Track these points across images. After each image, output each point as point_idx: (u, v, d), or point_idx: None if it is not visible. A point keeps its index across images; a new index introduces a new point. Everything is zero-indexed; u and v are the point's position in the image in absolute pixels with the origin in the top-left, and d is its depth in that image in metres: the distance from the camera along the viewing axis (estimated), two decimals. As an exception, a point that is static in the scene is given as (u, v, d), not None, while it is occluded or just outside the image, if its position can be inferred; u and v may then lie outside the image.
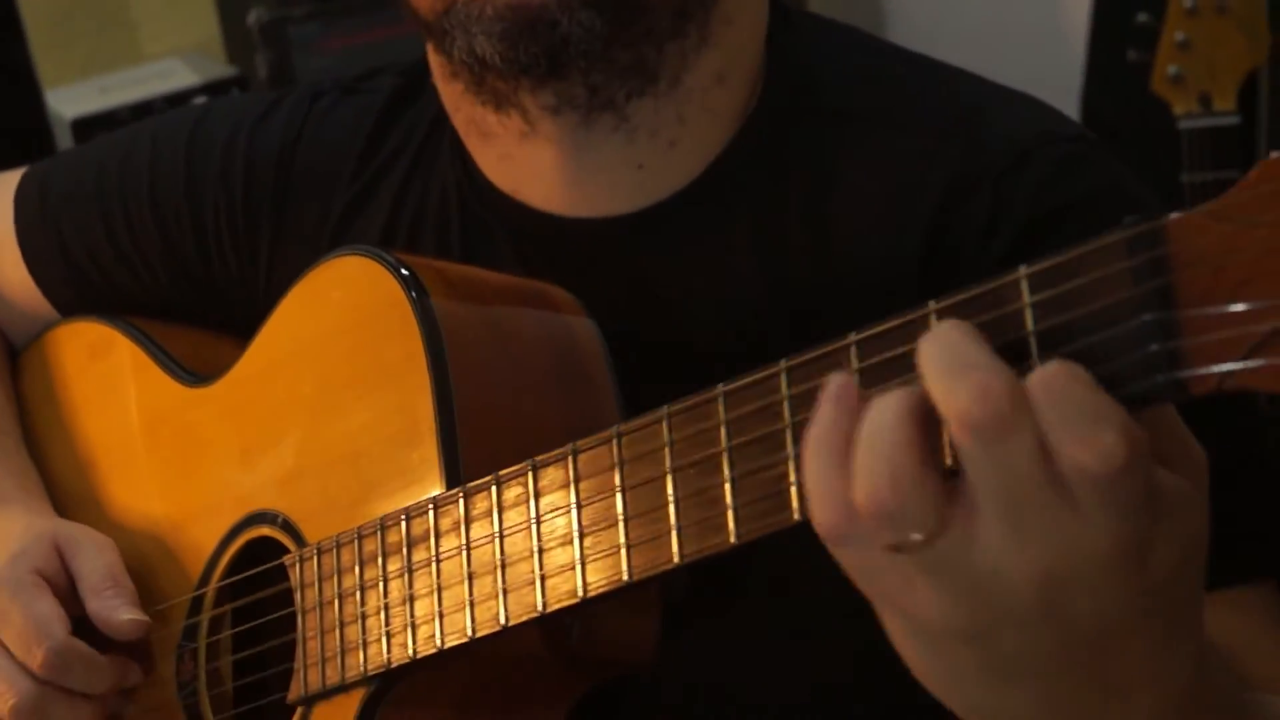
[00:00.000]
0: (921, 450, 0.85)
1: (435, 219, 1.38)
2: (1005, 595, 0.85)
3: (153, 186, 1.48)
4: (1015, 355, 0.85)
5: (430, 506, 1.18)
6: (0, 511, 1.47)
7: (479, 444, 1.20)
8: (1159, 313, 0.81)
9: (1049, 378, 0.82)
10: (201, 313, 1.50)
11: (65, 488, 1.54)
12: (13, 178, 1.57)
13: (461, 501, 1.16)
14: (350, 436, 1.27)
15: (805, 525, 0.91)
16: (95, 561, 1.39)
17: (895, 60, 1.34)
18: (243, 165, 1.45)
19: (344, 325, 1.29)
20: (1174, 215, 0.81)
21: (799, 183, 1.27)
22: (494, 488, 1.14)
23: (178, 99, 2.87)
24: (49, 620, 1.35)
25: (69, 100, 2.89)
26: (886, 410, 0.85)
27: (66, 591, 1.38)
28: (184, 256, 1.47)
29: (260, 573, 1.34)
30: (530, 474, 1.11)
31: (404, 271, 1.24)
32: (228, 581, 1.36)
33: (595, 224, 1.30)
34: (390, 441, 1.23)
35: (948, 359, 0.84)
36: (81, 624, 1.37)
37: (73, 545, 1.40)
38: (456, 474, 1.18)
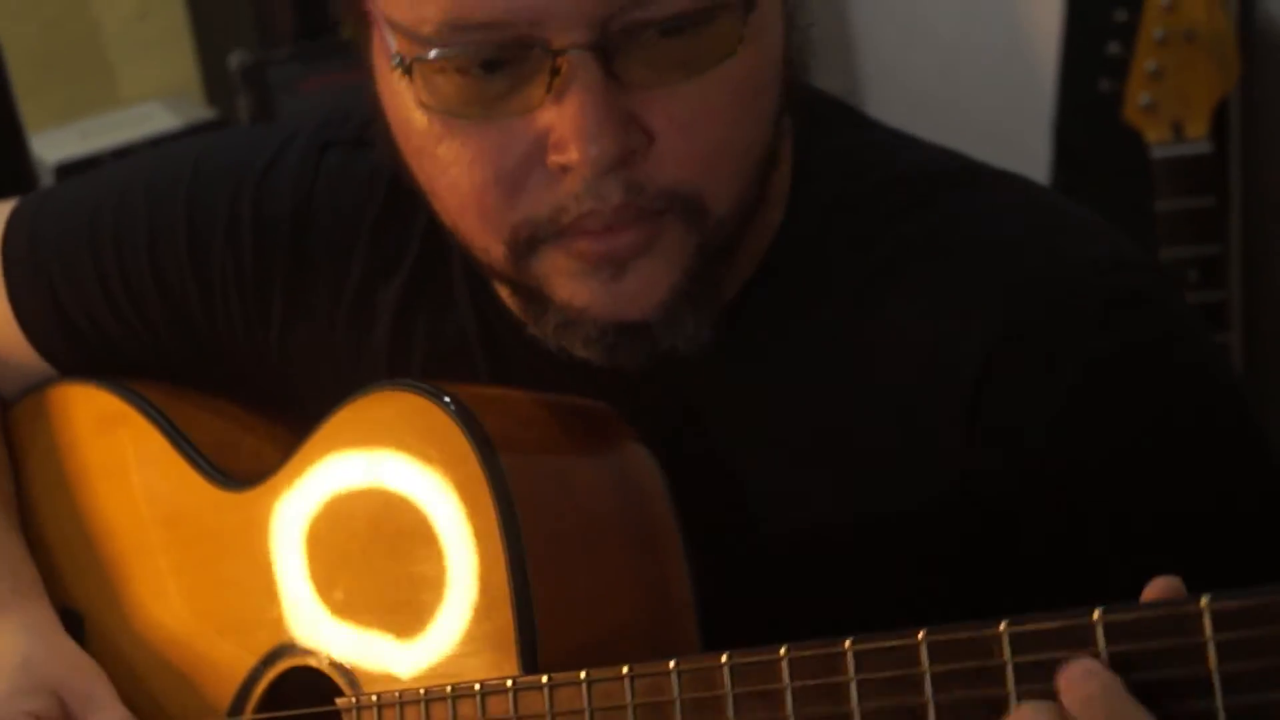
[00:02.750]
0: None
1: (455, 327, 1.34)
2: None
3: (152, 245, 1.42)
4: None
5: (510, 688, 1.16)
6: None
7: (554, 618, 1.17)
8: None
9: None
10: (206, 374, 1.45)
11: (65, 563, 1.48)
12: None
13: (547, 692, 1.14)
14: (411, 586, 1.23)
15: None
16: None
17: (927, 166, 1.29)
18: (251, 225, 1.40)
19: (404, 467, 1.25)
20: None
21: (835, 301, 1.24)
22: (585, 687, 1.12)
23: (159, 142, 2.88)
24: None
25: (50, 145, 2.90)
26: None
27: None
28: (189, 317, 1.42)
29: (304, 711, 1.31)
30: (628, 683, 1.10)
31: (470, 422, 1.20)
32: (270, 717, 1.33)
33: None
34: (459, 604, 1.20)
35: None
36: None
37: (78, 699, 1.36)
38: (533, 655, 1.16)
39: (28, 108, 2.70)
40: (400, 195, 1.34)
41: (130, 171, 1.50)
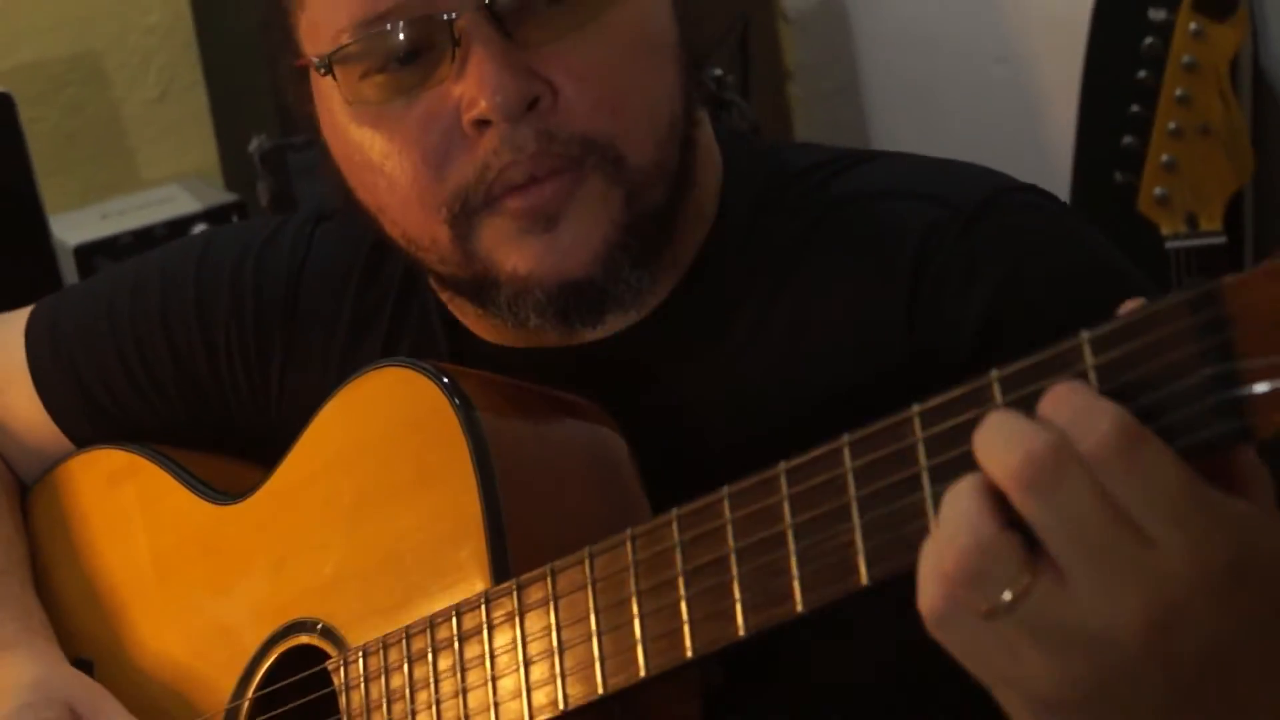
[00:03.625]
0: (998, 516, 0.90)
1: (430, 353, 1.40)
2: (1110, 649, 0.89)
3: (164, 314, 1.50)
4: None
5: (482, 600, 1.20)
6: (3, 658, 1.46)
7: (525, 542, 1.22)
8: (1220, 365, 0.87)
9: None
10: (216, 437, 1.52)
11: (78, 620, 1.53)
12: (19, 317, 1.60)
13: (515, 593, 1.18)
14: (392, 540, 1.29)
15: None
16: None
17: (840, 153, 1.39)
18: (252, 287, 1.48)
19: (384, 434, 1.32)
20: (1229, 277, 0.89)
21: (765, 280, 1.31)
22: (549, 578, 1.16)
23: (178, 225, 2.89)
24: None
25: (70, 227, 2.91)
26: (960, 492, 0.91)
27: None
28: (197, 378, 1.50)
29: (300, 680, 1.35)
30: (588, 562, 1.14)
31: (445, 379, 1.27)
32: (264, 691, 1.37)
33: (587, 347, 1.33)
34: (435, 542, 1.25)
35: (993, 435, 0.90)
36: None
37: (93, 710, 1.40)
38: (505, 568, 1.21)
39: (48, 190, 2.73)
40: (379, 252, 1.43)
41: (142, 262, 1.59)
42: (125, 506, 1.52)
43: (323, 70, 1.25)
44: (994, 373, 0.94)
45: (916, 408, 0.97)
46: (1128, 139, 2.48)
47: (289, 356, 1.47)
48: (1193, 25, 2.39)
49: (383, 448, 1.31)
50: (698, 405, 1.32)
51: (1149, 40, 2.45)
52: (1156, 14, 2.44)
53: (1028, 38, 2.93)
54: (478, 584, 1.22)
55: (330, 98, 1.27)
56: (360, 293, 1.45)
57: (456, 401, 1.26)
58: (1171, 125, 2.42)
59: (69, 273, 2.78)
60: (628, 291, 1.27)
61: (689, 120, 1.30)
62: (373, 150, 1.26)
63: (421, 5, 1.22)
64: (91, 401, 1.54)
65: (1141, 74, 2.46)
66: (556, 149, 1.23)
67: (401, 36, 1.22)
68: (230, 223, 2.73)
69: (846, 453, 1.00)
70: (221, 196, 3.06)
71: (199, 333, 1.49)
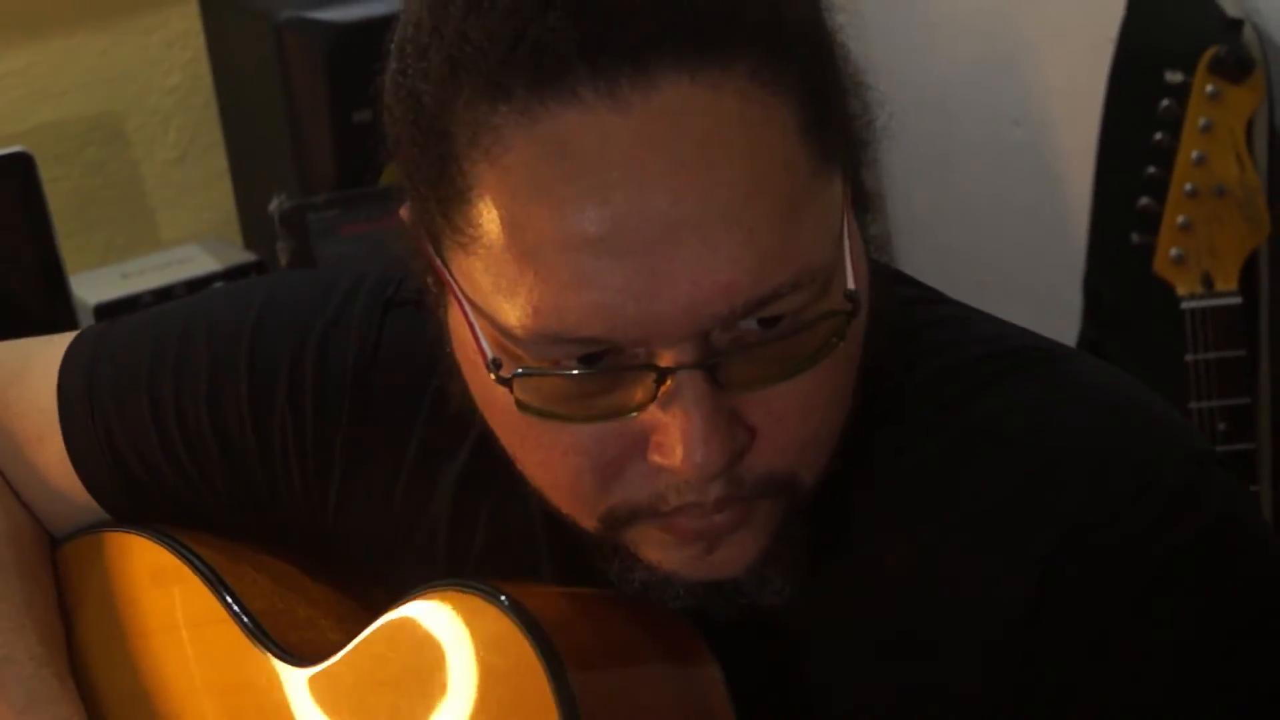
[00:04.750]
0: None
1: (519, 522, 1.32)
2: None
3: (211, 394, 1.40)
4: None
5: None
6: None
7: None
8: None
9: None
10: (261, 529, 1.43)
11: (117, 718, 1.45)
12: (54, 354, 1.49)
13: None
14: None
15: None
16: None
17: (986, 349, 1.26)
18: (312, 385, 1.37)
19: (465, 671, 1.22)
20: None
21: (897, 501, 1.23)
22: None
23: (198, 285, 2.90)
24: None
25: (91, 286, 2.92)
26: None
27: None
28: (247, 470, 1.40)
29: None
30: None
31: (539, 635, 1.18)
32: None
33: None
34: None
35: None
36: None
37: None
38: None
39: (68, 249, 2.73)
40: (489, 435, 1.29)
41: (194, 316, 1.47)
42: (170, 612, 1.44)
43: (494, 378, 1.10)
44: None
45: None
46: (1144, 200, 2.49)
47: (350, 461, 1.37)
48: (1209, 87, 2.40)
49: (463, 685, 1.22)
50: (806, 642, 1.24)
51: (1165, 102, 2.45)
52: (1173, 76, 2.45)
53: (1044, 100, 2.93)
54: None
55: (471, 339, 1.12)
56: (436, 409, 1.33)
57: (548, 666, 1.16)
58: (1188, 186, 2.43)
59: (89, 332, 2.78)
60: (769, 596, 1.19)
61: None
62: (528, 431, 1.13)
63: (629, 344, 1.07)
64: (126, 473, 1.45)
65: (1158, 136, 2.46)
66: (743, 492, 1.13)
67: (595, 362, 1.08)
68: (290, 275, 2.69)
69: None
70: (241, 256, 3.06)
71: (251, 423, 1.39)
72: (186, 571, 1.43)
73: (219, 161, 3.31)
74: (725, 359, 1.09)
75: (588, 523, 1.17)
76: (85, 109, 3.22)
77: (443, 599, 1.25)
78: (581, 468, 1.13)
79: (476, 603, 1.22)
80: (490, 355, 1.11)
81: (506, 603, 1.20)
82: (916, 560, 1.21)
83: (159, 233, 3.29)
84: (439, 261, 1.14)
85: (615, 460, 1.12)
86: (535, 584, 1.28)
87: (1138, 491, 1.17)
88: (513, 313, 1.08)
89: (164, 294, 2.89)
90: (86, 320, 2.83)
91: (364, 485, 1.37)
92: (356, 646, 1.31)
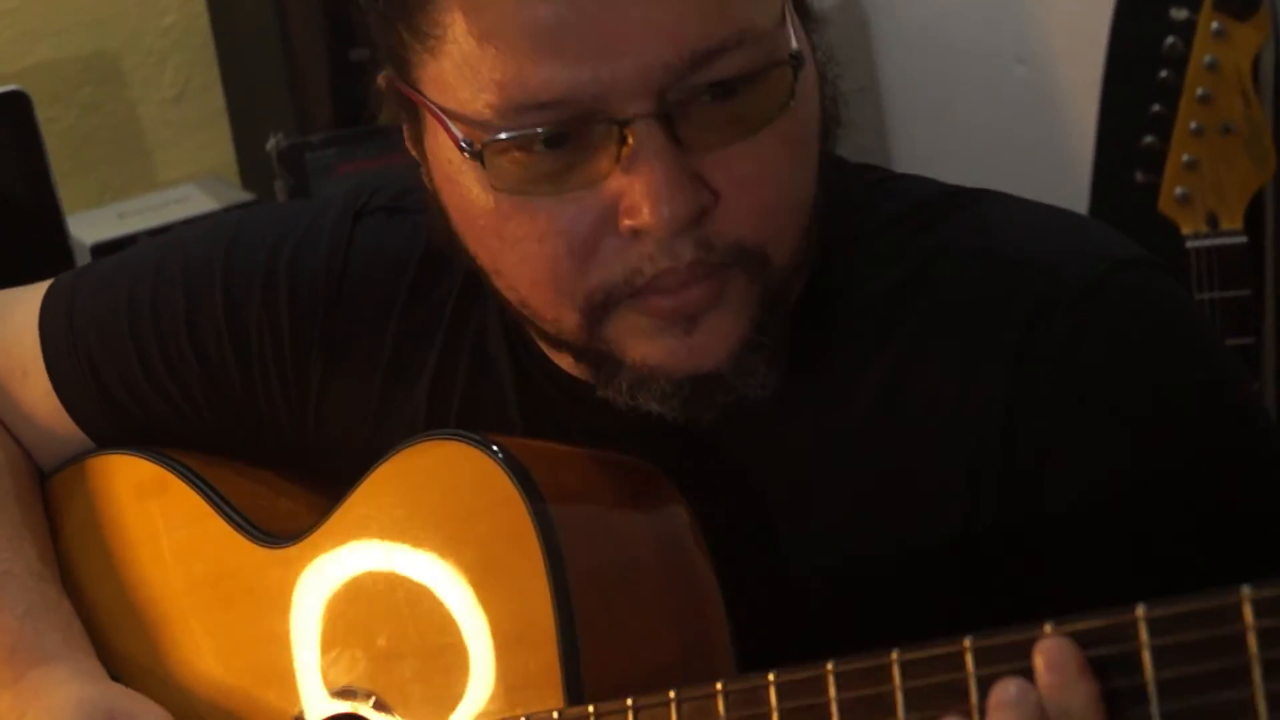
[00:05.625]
0: None
1: (491, 383, 1.35)
2: None
3: (189, 314, 1.43)
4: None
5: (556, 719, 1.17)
6: (48, 673, 1.42)
7: (598, 656, 1.18)
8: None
9: None
10: (245, 443, 1.46)
11: (111, 634, 1.49)
12: (34, 296, 1.53)
13: None
14: (454, 628, 1.25)
15: None
16: None
17: (935, 192, 1.33)
18: (287, 292, 1.41)
19: (446, 513, 1.27)
20: None
21: (861, 330, 1.27)
22: (631, 713, 1.14)
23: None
24: None
25: (87, 226, 2.91)
26: None
27: None
28: (227, 387, 1.43)
29: None
30: (673, 707, 1.12)
31: (514, 466, 1.22)
32: None
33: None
34: (503, 643, 1.22)
35: None
36: None
37: None
38: (578, 689, 1.17)
39: (65, 190, 2.72)
40: (433, 262, 1.37)
41: (167, 246, 1.52)
42: (152, 523, 1.47)
43: (467, 153, 1.17)
44: (1140, 610, 0.96)
45: (968, 641, 1.00)
46: (1149, 139, 2.47)
47: (327, 370, 1.41)
48: (1215, 24, 2.38)
49: (445, 527, 1.27)
50: (776, 464, 1.28)
51: (1170, 40, 2.43)
52: (1178, 13, 2.43)
53: (1048, 38, 2.92)
54: (549, 699, 1.18)
55: (448, 148, 1.20)
56: (409, 307, 1.39)
57: (527, 495, 1.21)
58: (1193, 125, 2.41)
59: (86, 272, 2.78)
60: (753, 389, 1.22)
61: (820, 201, 1.26)
62: (507, 225, 1.20)
63: (591, 100, 1.14)
64: (110, 400, 1.48)
65: (1163, 74, 2.45)
66: (713, 258, 1.18)
67: (559, 126, 1.15)
68: (261, 207, 2.71)
69: (969, 657, 1.01)
70: (238, 195, 3.06)
71: (229, 339, 1.43)
72: (170, 477, 1.47)
73: (216, 101, 3.30)
74: (682, 116, 1.15)
75: (571, 321, 1.21)
76: (81, 49, 3.20)
77: (418, 450, 1.29)
78: (559, 251, 1.18)
79: (452, 446, 1.27)
80: (461, 137, 1.17)
81: (480, 440, 1.25)
82: (893, 370, 1.26)
83: (156, 173, 3.28)
84: (411, 90, 1.21)
85: (590, 238, 1.18)
86: (514, 437, 1.30)
87: (1091, 284, 1.23)
88: (480, 95, 1.15)
89: (161, 234, 2.87)
90: (84, 260, 2.82)
91: (342, 388, 1.40)
92: (337, 514, 1.35)
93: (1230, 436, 1.24)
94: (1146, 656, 0.94)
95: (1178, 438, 1.22)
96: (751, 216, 1.19)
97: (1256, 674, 0.92)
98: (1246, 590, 0.92)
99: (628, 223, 1.16)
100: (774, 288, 1.22)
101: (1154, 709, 0.94)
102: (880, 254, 1.29)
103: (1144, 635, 0.95)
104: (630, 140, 1.15)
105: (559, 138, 1.16)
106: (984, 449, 1.23)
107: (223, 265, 1.44)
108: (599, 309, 1.20)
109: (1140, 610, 0.95)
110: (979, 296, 1.25)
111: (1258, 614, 0.92)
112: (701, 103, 1.16)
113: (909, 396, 1.25)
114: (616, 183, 1.16)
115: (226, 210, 2.94)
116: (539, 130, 1.15)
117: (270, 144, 2.86)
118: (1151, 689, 0.94)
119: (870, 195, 1.33)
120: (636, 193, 1.15)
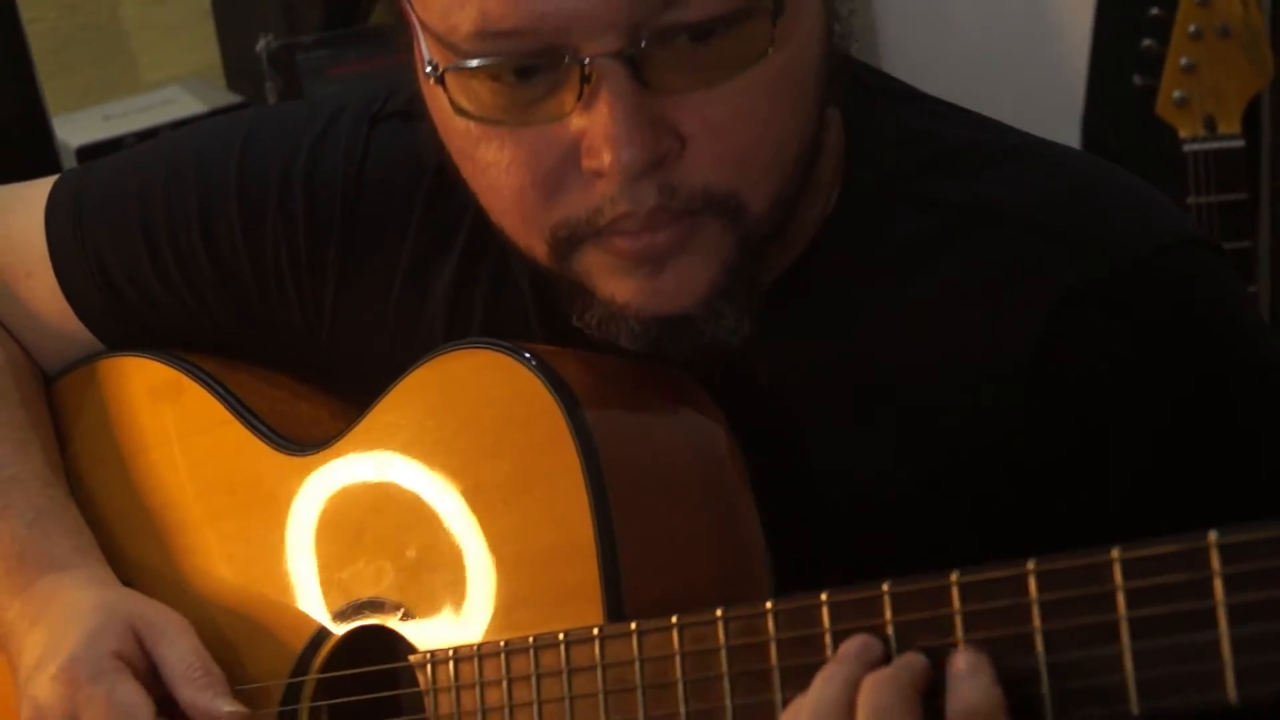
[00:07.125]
0: None
1: (512, 308, 1.34)
2: None
3: (203, 215, 1.41)
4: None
5: (597, 636, 1.15)
6: (61, 580, 1.40)
7: (638, 571, 1.17)
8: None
9: None
10: (257, 347, 1.44)
11: (122, 541, 1.46)
12: (37, 193, 1.49)
13: (635, 639, 1.13)
14: (487, 540, 1.23)
15: None
16: (180, 647, 1.34)
17: (980, 137, 1.30)
18: (303, 198, 1.39)
19: (480, 423, 1.25)
20: None
21: (887, 270, 1.25)
22: (676, 631, 1.12)
23: (181, 126, 2.86)
24: (134, 706, 1.31)
25: (73, 128, 2.90)
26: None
27: (147, 676, 1.33)
28: (241, 289, 1.41)
29: (377, 667, 1.30)
30: (721, 625, 1.10)
31: (551, 375, 1.21)
32: (334, 674, 1.32)
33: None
34: (539, 556, 1.20)
35: None
36: (161, 709, 1.32)
37: (153, 630, 1.35)
38: (619, 604, 1.16)
39: (50, 91, 2.70)
40: (451, 170, 1.33)
41: (179, 143, 1.49)
42: (169, 425, 1.44)
43: (431, 78, 1.16)
44: (1115, 552, 0.95)
45: (1032, 564, 0.99)
46: (1147, 41, 2.46)
47: (344, 272, 1.38)
48: (1216, -73, 2.37)
49: (479, 438, 1.24)
50: (795, 397, 1.27)
51: (1169, -59, 2.42)
52: (1179, -84, 2.42)
53: (1044, -62, 2.90)
54: (589, 615, 1.16)
55: (427, 75, 1.19)
56: (428, 212, 1.37)
57: (564, 405, 1.19)
58: (1191, 28, 2.41)
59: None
60: (723, 333, 1.20)
61: (817, 141, 1.22)
62: (476, 150, 1.19)
63: (553, 34, 1.12)
64: (119, 300, 1.45)
65: (1163, -25, 2.44)
66: (676, 204, 1.16)
67: (525, 59, 1.14)
68: (275, 105, 2.68)
69: (955, 592, 1.01)
70: (226, 98, 3.04)
71: (243, 239, 1.40)
72: (186, 381, 1.44)
73: (201, 1, 3.27)
74: (652, 57, 1.13)
75: (540, 251, 1.21)
76: (62, -53, 3.18)
77: (449, 358, 1.28)
78: (524, 182, 1.18)
79: (485, 355, 1.25)
80: (428, 58, 1.17)
81: (514, 349, 1.23)
82: (906, 319, 1.24)
83: (140, 74, 3.25)
84: (404, 5, 1.20)
85: (553, 172, 1.17)
86: (545, 345, 1.29)
87: (1132, 270, 1.21)
88: (451, 14, 1.14)
89: (148, 136, 2.86)
90: (70, 163, 2.80)
91: (360, 294, 1.39)
92: (363, 422, 1.33)
93: (1267, 416, 1.23)
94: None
95: (1213, 423, 1.21)
96: (722, 163, 1.16)
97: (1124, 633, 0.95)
98: (1115, 552, 0.95)
99: (588, 163, 1.15)
100: (751, 235, 1.18)
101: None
102: (909, 198, 1.26)
103: (1119, 578, 0.96)
104: (593, 77, 1.13)
105: (526, 70, 1.14)
106: (1004, 422, 1.22)
107: (237, 166, 1.41)
108: (564, 244, 1.19)
109: (1116, 552, 0.96)
110: (1011, 270, 1.22)
111: (1126, 575, 0.94)
112: (676, 45, 1.13)
113: (928, 350, 1.24)
114: (580, 121, 1.14)
115: (214, 113, 2.92)
116: (499, 59, 1.14)
117: (260, 45, 2.83)
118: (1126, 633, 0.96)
119: (895, 126, 1.29)
120: (595, 133, 1.14)
